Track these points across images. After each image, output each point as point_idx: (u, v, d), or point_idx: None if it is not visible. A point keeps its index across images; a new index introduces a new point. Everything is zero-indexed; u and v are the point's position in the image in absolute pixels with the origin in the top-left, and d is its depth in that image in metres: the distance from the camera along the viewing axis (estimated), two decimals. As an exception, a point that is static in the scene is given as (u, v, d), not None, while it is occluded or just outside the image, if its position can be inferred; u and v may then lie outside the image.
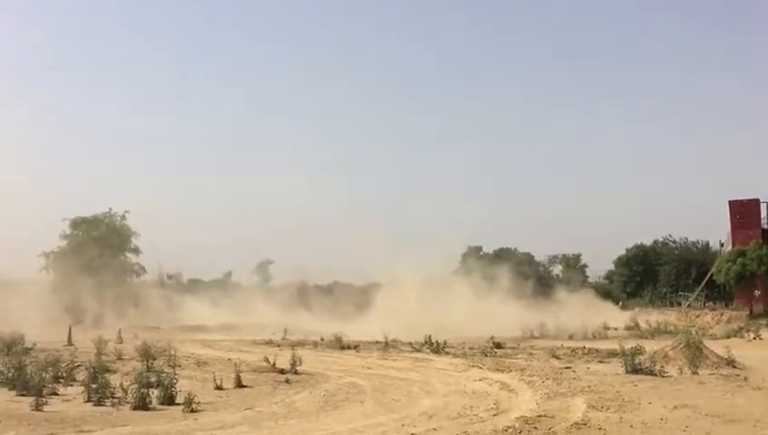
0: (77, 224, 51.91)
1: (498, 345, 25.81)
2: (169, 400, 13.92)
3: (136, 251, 54.07)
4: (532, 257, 71.63)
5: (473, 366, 19.91)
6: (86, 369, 16.96)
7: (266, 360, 19.54)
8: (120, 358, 21.40)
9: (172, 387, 14.32)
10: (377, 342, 27.35)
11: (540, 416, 11.97)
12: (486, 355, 23.19)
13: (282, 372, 18.53)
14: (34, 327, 33.25)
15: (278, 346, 27.07)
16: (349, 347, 26.45)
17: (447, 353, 23.69)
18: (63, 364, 17.91)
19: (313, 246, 61.80)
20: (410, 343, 26.23)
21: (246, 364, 19.62)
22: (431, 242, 49.53)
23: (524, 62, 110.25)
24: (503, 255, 67.32)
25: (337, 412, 13.26)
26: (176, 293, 53.86)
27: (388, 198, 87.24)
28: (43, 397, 13.59)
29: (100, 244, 51.31)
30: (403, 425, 11.76)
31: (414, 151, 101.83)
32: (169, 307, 49.08)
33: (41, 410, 12.80)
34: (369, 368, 20.50)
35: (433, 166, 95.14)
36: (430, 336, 25.56)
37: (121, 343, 27.90)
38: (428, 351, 24.34)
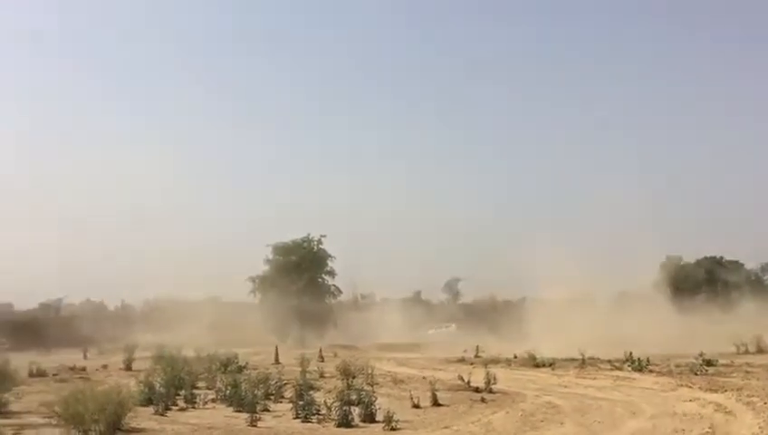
0: (278, 249, 55.56)
1: (709, 362, 23.75)
2: (370, 417, 14.36)
3: (332, 273, 56.76)
4: (742, 265, 65.44)
5: (681, 385, 18.53)
6: (293, 386, 18.06)
7: (461, 378, 19.54)
8: (322, 376, 22.49)
9: (372, 405, 14.77)
10: (572, 359, 26.37)
11: (765, 442, 10.84)
12: (696, 373, 21.46)
13: (477, 390, 18.44)
14: (246, 346, 36.14)
15: (471, 364, 26.99)
16: (543, 365, 25.76)
17: (651, 371, 22.27)
18: (273, 382, 19.13)
19: (499, 260, 60.84)
20: (609, 361, 24.98)
21: (441, 382, 19.79)
22: (625, 252, 46.89)
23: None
24: (706, 264, 62.24)
25: (536, 433, 12.93)
26: (369, 312, 55.74)
27: (577, 208, 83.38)
28: (257, 413, 14.61)
29: (299, 267, 54.48)
30: (608, 448, 11.20)
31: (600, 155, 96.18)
32: (364, 326, 50.88)
33: (255, 426, 13.74)
34: (566, 387, 19.81)
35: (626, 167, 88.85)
36: (631, 353, 24.19)
37: (322, 361, 29.37)
38: (630, 368, 23.03)
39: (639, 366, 22.96)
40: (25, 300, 64.66)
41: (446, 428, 13.48)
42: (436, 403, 16.40)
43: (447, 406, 16.32)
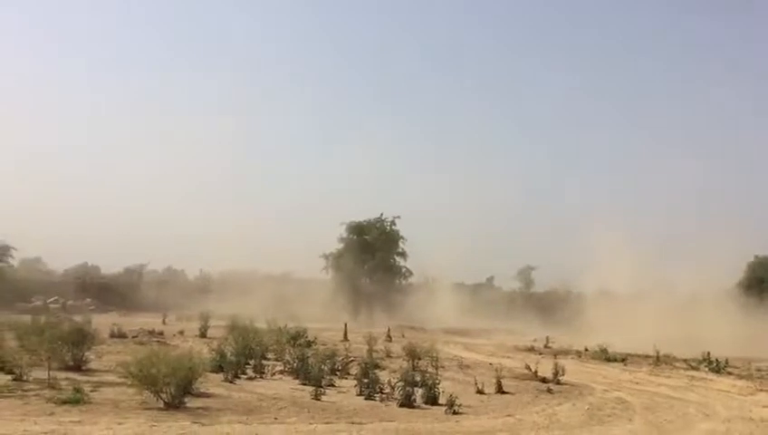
0: (352, 228, 56.08)
1: (793, 368, 22.65)
2: (432, 400, 14.33)
3: (403, 254, 56.90)
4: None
5: (761, 390, 17.73)
6: (358, 364, 18.24)
7: (527, 367, 19.27)
8: (388, 355, 22.60)
9: (435, 387, 14.73)
10: (646, 355, 25.60)
11: None
12: (778, 379, 20.50)
13: (543, 380, 18.13)
14: (316, 321, 36.76)
15: (540, 354, 26.61)
16: (615, 359, 25.11)
17: (729, 374, 21.39)
18: (339, 358, 19.36)
19: (574, 250, 59.33)
20: (685, 360, 24.13)
21: (507, 370, 19.60)
22: (710, 249, 44.86)
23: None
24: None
25: (602, 428, 12.60)
26: (437, 296, 55.60)
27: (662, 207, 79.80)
28: (322, 387, 14.83)
29: (371, 247, 54.84)
30: (677, 449, 10.80)
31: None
32: (433, 309, 50.83)
33: (319, 400, 13.94)
34: (637, 383, 19.23)
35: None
36: (709, 353, 23.28)
37: (390, 341, 29.53)
38: (707, 369, 22.17)
39: (717, 367, 22.09)
40: (112, 264, 68.02)
41: (508, 416, 13.31)
42: (500, 391, 16.22)
43: (512, 394, 16.11)
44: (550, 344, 30.98)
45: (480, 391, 15.94)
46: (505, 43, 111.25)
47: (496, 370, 18.22)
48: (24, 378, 14.20)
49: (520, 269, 70.10)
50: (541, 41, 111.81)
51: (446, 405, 13.56)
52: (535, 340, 33.09)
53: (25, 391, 12.99)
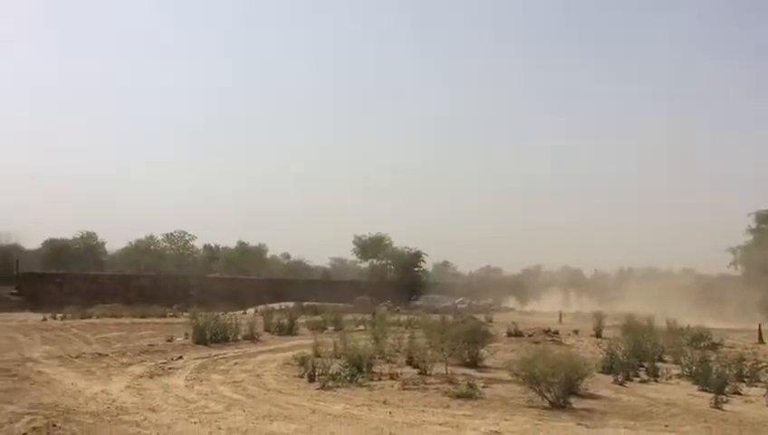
0: (763, 217, 49.89)
1: None
2: None
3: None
4: None
5: None
6: (769, 371, 16.05)
7: None
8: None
9: None
10: None
11: None
12: None
13: None
14: (725, 322, 33.48)
15: None
16: None
17: None
18: (748, 363, 17.28)
19: None
20: None
21: None
22: None
23: None
24: None
25: None
26: None
27: None
28: (724, 395, 13.38)
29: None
30: None
31: None
32: None
33: (719, 409, 12.59)
34: None
35: None
36: None
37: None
38: None
39: None
40: (512, 264, 72.19)
41: None
42: None
43: None
44: None
45: None
46: None
47: None
48: (428, 372, 15.74)
49: None
50: None
51: None
52: None
53: (427, 384, 14.35)
